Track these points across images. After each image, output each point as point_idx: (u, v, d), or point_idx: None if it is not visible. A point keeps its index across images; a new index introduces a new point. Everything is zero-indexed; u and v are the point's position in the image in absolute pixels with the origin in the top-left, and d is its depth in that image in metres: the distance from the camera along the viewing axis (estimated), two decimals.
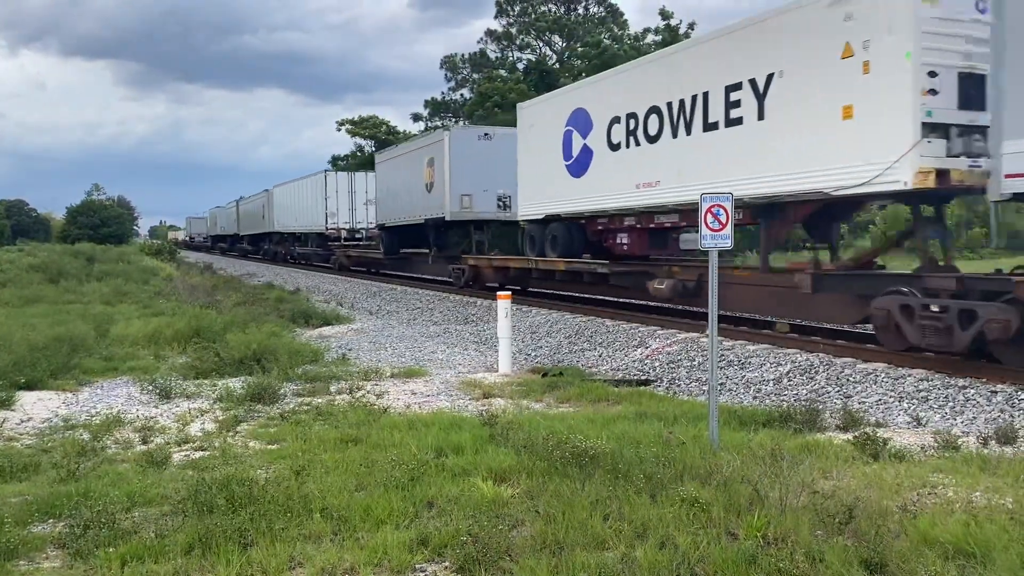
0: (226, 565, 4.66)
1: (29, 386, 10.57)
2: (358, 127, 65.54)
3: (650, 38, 45.65)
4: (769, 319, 14.66)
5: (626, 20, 53.49)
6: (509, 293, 13.46)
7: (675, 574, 4.43)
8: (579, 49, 48.35)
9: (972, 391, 9.51)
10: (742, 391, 11.10)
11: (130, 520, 5.47)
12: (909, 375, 10.38)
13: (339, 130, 66.66)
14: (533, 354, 15.20)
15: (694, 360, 12.79)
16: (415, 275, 30.90)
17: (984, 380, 9.80)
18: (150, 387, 10.46)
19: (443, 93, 60.05)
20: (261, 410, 9.34)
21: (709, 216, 7.10)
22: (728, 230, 7.14)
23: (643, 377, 12.33)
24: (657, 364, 13.02)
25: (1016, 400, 9.05)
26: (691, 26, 45.05)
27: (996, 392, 9.36)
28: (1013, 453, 7.12)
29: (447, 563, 4.79)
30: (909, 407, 9.38)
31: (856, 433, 7.47)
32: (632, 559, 4.57)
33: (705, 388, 11.15)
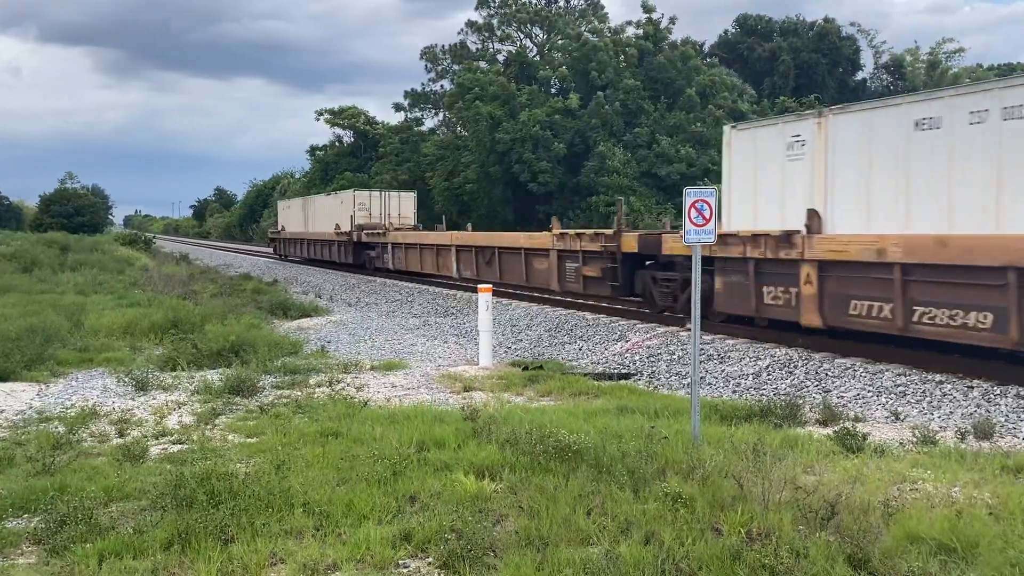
0: (206, 561, 4.59)
1: (2, 378, 10.41)
2: (337, 117, 65.02)
3: (630, 31, 45.61)
4: None
5: (607, 13, 53.50)
6: (490, 286, 13.42)
7: (659, 570, 4.42)
8: (559, 42, 48.23)
9: (949, 386, 9.60)
10: (722, 385, 11.14)
11: (107, 515, 5.38)
12: (887, 370, 10.47)
13: (318, 120, 66.08)
14: (513, 347, 15.18)
15: (674, 354, 12.82)
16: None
17: (961, 375, 9.90)
18: (126, 379, 10.33)
19: (423, 84, 59.76)
20: (240, 403, 9.24)
21: (693, 211, 7.09)
22: (711, 225, 7.15)
23: (624, 371, 12.35)
24: (637, 358, 13.04)
25: (992, 395, 9.15)
26: (672, 20, 45.10)
27: (972, 387, 9.46)
28: (990, 448, 7.19)
29: (430, 559, 4.75)
30: (887, 402, 9.46)
31: (836, 428, 7.51)
32: (616, 555, 4.56)
33: (685, 382, 11.19)
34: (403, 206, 35.03)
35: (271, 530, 5.04)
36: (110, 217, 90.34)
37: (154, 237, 68.78)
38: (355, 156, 63.21)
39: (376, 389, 10.27)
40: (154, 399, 9.58)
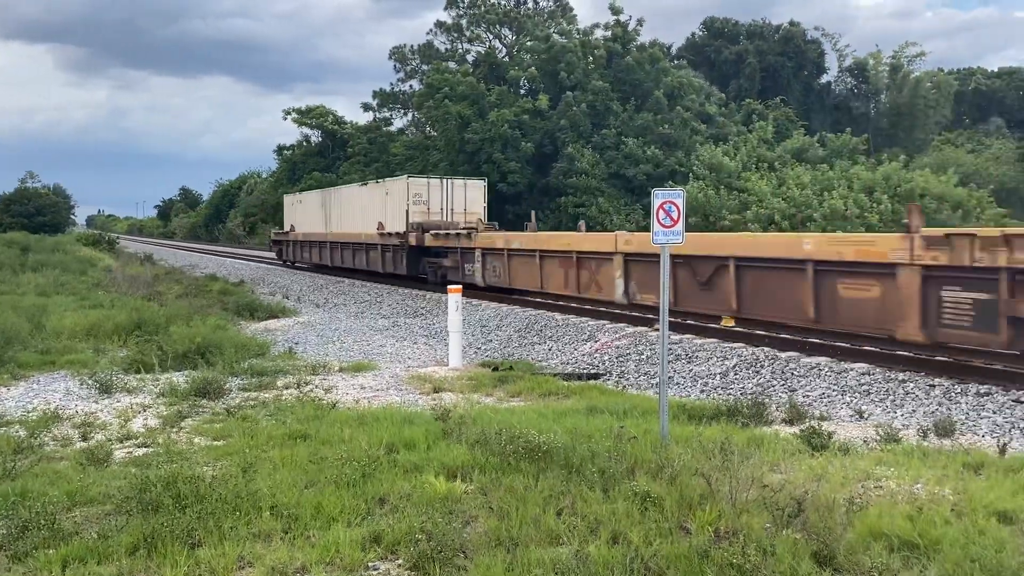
0: (173, 566, 4.54)
1: None
2: (305, 117, 64.42)
3: (599, 33, 45.77)
4: None
5: (575, 15, 53.68)
6: (460, 287, 13.40)
7: (628, 569, 4.45)
8: (528, 43, 48.29)
9: (911, 385, 9.77)
10: (689, 385, 11.23)
11: (71, 520, 5.30)
12: (851, 369, 10.62)
13: (285, 119, 65.39)
14: (483, 348, 15.17)
15: (642, 354, 12.90)
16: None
17: (923, 374, 10.08)
18: (89, 381, 10.16)
19: (392, 84, 59.51)
20: (206, 405, 9.14)
21: (661, 212, 7.14)
22: (680, 226, 7.19)
23: (593, 371, 12.40)
24: (606, 358, 13.10)
25: (953, 394, 9.33)
26: (640, 22, 45.34)
27: (934, 386, 9.64)
28: (951, 445, 7.33)
29: (400, 561, 4.74)
30: (852, 400, 9.60)
31: (802, 427, 7.61)
32: (586, 554, 4.58)
33: (654, 382, 11.27)
34: (470, 198, 26.42)
35: (239, 533, 4.99)
36: (72, 217, 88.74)
37: (118, 237, 67.74)
38: (323, 156, 62.68)
39: (345, 391, 10.21)
40: (118, 402, 9.44)
